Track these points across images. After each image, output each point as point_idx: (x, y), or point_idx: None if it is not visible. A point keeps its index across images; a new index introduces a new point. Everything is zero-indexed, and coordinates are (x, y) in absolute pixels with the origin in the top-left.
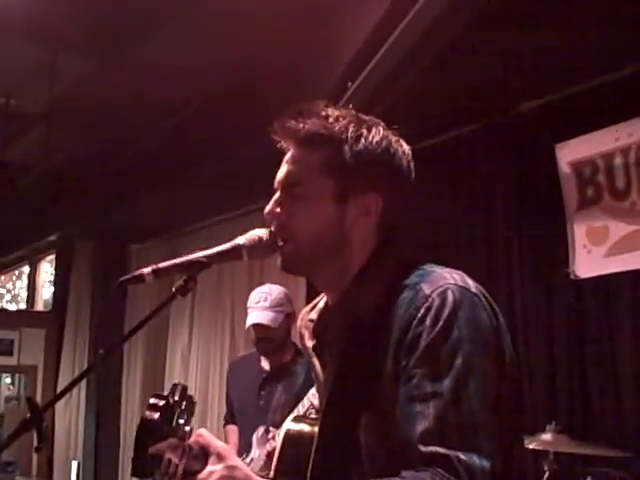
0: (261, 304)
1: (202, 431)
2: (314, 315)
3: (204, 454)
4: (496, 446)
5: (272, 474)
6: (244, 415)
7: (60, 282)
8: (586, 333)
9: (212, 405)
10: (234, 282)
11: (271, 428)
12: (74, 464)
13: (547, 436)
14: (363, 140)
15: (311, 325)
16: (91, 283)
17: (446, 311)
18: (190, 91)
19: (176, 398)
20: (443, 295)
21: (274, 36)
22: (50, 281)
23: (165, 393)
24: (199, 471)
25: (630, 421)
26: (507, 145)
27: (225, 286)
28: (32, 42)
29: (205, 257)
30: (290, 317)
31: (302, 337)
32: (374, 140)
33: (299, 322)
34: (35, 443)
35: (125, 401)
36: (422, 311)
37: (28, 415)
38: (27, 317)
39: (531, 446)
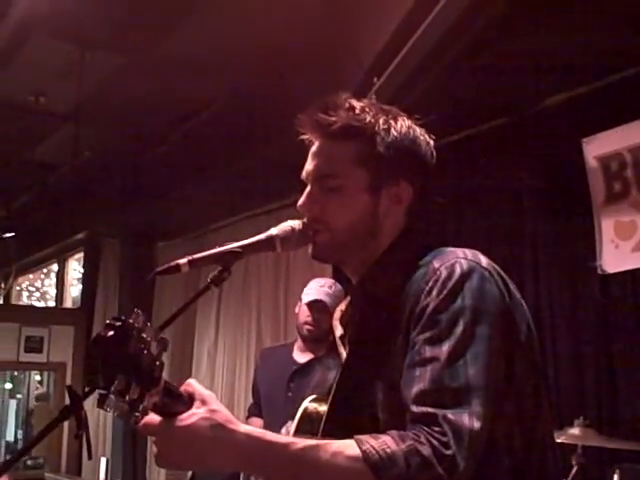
0: (325, 289)
1: (191, 381)
2: (343, 306)
3: (191, 401)
4: (489, 411)
5: None
6: (271, 406)
7: (88, 279)
8: (613, 328)
9: (239, 402)
10: (260, 281)
11: (289, 422)
12: (103, 460)
13: (575, 430)
14: (393, 131)
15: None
16: (118, 280)
17: (452, 282)
18: (217, 88)
19: (137, 325)
20: (451, 268)
21: (301, 33)
22: (78, 279)
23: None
24: (179, 412)
25: None
26: (534, 139)
27: (251, 284)
28: (60, 41)
29: (239, 247)
30: None
31: (335, 328)
32: (402, 130)
33: (334, 315)
34: (75, 430)
35: None
36: (430, 284)
37: (68, 403)
38: (56, 314)
39: (559, 440)
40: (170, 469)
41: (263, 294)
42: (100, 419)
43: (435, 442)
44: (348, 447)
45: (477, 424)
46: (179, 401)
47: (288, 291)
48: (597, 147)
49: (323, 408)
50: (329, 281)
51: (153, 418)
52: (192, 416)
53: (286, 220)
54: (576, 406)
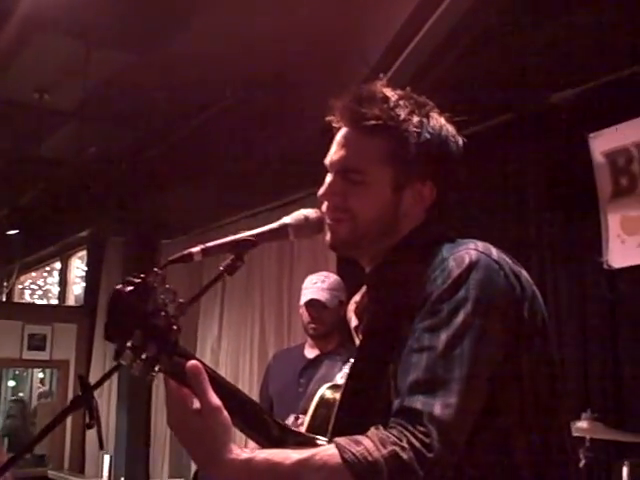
0: (319, 285)
1: (204, 380)
2: (358, 297)
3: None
4: (478, 404)
5: (304, 431)
6: (283, 402)
7: (91, 278)
8: (620, 322)
9: None
10: (263, 278)
11: (301, 415)
12: (106, 458)
13: (583, 423)
14: (425, 132)
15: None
16: (121, 278)
17: (458, 272)
18: (220, 87)
19: (156, 285)
20: (460, 258)
21: (307, 29)
22: (81, 277)
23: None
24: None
25: None
26: (540, 135)
27: (254, 282)
28: (65, 38)
29: (252, 236)
30: (342, 305)
31: (350, 321)
32: (435, 130)
33: (348, 307)
34: (87, 420)
35: (156, 395)
36: (437, 272)
37: (79, 393)
38: (59, 312)
39: None
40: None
41: (266, 290)
42: (103, 417)
43: (417, 444)
44: (331, 457)
45: (464, 417)
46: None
47: (292, 287)
48: (604, 142)
49: (339, 395)
50: (321, 275)
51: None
52: (193, 422)
53: None
54: (583, 400)
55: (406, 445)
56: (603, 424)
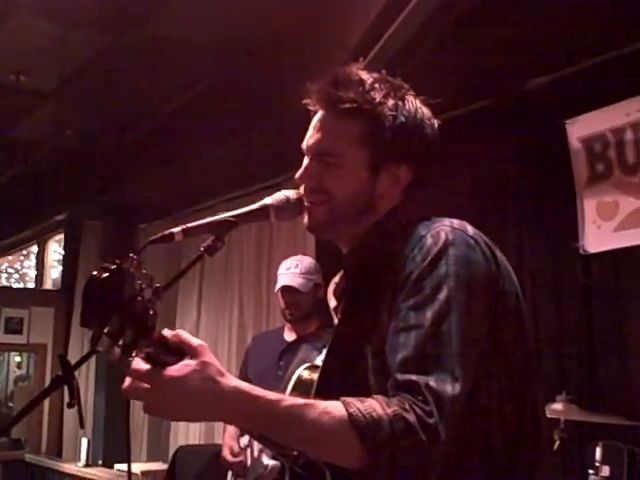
0: (292, 270)
1: (180, 331)
2: (337, 279)
3: (179, 351)
4: (469, 377)
5: None
6: (262, 386)
7: (68, 261)
8: (595, 306)
9: None
10: (242, 261)
11: None
12: (84, 441)
13: (557, 405)
14: (400, 114)
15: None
16: (99, 262)
17: (436, 248)
18: (200, 69)
19: (132, 270)
20: (437, 235)
21: (288, 11)
22: (58, 260)
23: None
24: (170, 364)
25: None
26: (517, 121)
27: (233, 265)
28: (43, 19)
29: (233, 217)
30: (318, 287)
31: (329, 301)
32: (410, 113)
33: (328, 289)
34: (67, 399)
35: None
36: (415, 251)
37: (59, 372)
38: (36, 296)
39: None
40: (158, 417)
41: (245, 273)
42: (81, 400)
43: (418, 410)
44: (335, 408)
45: (457, 390)
46: (171, 352)
47: (271, 270)
48: (580, 128)
49: (316, 375)
50: (295, 260)
51: (142, 364)
52: (184, 368)
53: None
54: (558, 382)
55: (409, 408)
56: (577, 406)
